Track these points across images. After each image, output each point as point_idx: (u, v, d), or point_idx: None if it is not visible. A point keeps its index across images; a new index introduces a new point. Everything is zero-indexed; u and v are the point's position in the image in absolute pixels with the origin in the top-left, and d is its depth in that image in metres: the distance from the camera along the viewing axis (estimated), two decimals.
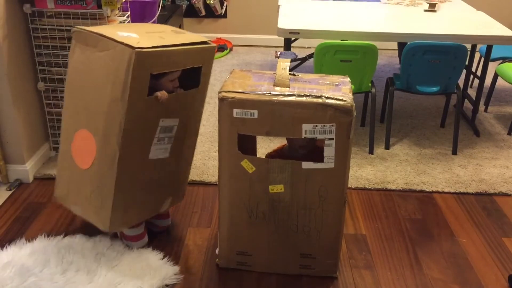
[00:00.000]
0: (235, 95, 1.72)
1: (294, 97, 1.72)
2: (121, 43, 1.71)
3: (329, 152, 1.76)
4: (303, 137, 1.75)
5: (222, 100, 1.72)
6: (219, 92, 1.74)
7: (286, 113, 1.72)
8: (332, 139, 1.73)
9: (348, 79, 1.91)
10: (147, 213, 2.07)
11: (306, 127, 1.72)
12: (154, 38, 1.83)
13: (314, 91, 1.75)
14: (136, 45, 1.69)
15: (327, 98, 1.70)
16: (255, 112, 1.72)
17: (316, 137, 1.74)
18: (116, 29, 1.88)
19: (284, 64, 1.85)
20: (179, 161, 2.09)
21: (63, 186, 2.02)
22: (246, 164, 1.80)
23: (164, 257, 2.04)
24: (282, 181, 1.82)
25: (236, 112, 1.72)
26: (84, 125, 1.86)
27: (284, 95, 1.72)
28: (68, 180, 1.98)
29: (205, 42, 1.95)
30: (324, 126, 1.72)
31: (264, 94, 1.72)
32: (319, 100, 1.70)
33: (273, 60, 4.57)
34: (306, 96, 1.72)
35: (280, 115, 1.72)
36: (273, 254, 1.97)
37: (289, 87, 1.77)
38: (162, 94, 1.84)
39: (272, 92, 1.73)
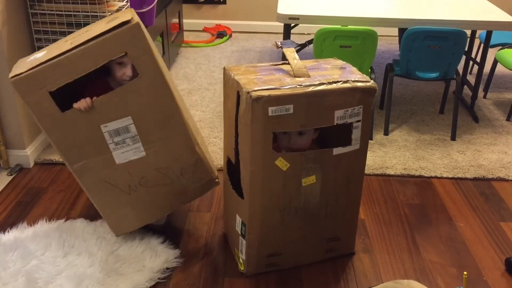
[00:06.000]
0: (270, 93, 1.62)
1: (324, 85, 1.68)
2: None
3: (356, 133, 1.78)
4: (335, 123, 1.73)
5: (256, 100, 1.60)
6: (248, 92, 1.62)
7: (320, 103, 1.68)
8: (359, 121, 1.76)
9: (340, 61, 1.92)
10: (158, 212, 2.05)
11: (338, 113, 1.71)
12: (59, 50, 1.70)
13: (336, 76, 1.75)
14: (12, 74, 1.65)
15: (354, 81, 1.72)
16: (291, 107, 1.65)
17: (347, 122, 1.74)
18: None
19: (293, 54, 1.82)
20: (174, 150, 1.90)
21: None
22: (281, 162, 1.72)
23: (164, 241, 2.06)
24: (314, 172, 1.79)
25: (271, 110, 1.63)
26: None
27: (315, 85, 1.68)
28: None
29: (122, 24, 1.67)
30: (354, 109, 1.73)
31: (296, 87, 1.66)
32: (348, 85, 1.70)
33: (272, 47, 4.56)
34: (336, 82, 1.70)
35: (314, 106, 1.68)
36: (301, 247, 1.94)
37: (310, 77, 1.74)
38: (80, 104, 1.74)
39: (303, 84, 1.68)
